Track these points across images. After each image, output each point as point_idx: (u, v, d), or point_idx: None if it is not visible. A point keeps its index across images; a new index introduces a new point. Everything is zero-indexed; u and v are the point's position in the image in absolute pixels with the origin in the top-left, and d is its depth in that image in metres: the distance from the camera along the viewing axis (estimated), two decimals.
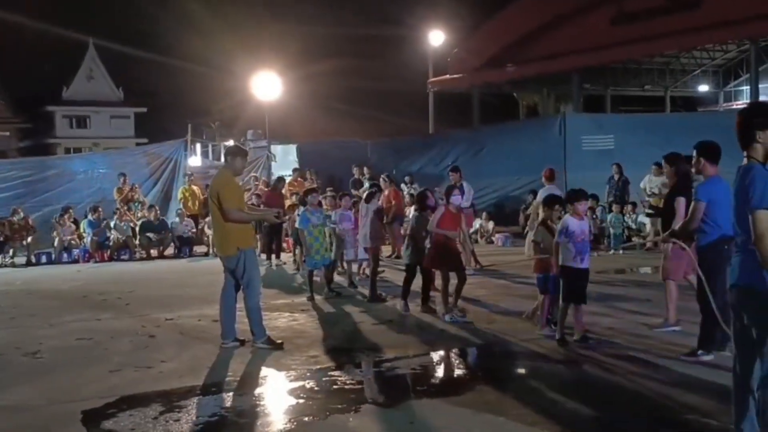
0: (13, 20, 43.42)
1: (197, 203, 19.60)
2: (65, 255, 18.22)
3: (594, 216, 16.93)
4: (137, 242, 18.56)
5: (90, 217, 18.49)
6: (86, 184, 20.97)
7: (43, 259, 18.14)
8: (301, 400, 6.32)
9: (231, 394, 6.62)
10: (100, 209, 18.67)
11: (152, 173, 21.63)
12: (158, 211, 19.27)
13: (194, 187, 20.06)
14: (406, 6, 46.68)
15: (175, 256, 18.61)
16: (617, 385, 6.62)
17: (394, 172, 20.39)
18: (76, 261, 18.11)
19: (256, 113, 33.11)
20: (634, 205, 17.82)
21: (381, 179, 17.10)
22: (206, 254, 18.17)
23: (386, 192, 16.68)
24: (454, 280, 9.48)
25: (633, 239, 16.69)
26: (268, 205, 16.97)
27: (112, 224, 18.52)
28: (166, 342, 8.70)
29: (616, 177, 18.28)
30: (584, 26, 34.56)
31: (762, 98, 35.28)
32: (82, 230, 18.61)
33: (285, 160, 25.68)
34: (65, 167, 21.96)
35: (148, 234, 18.48)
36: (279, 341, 8.25)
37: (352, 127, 38.30)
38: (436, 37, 37.48)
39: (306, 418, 5.81)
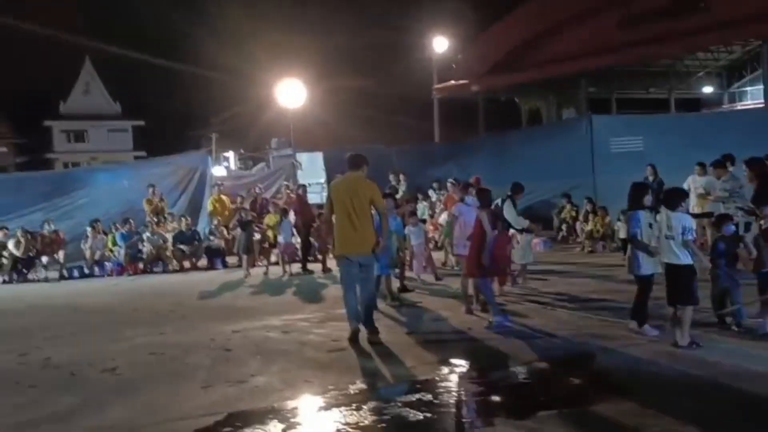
0: (7, 36, 42.97)
1: (227, 213, 19.30)
2: (97, 268, 17.91)
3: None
4: (169, 254, 18.24)
5: (121, 229, 18.15)
6: (111, 197, 20.54)
7: (75, 273, 17.80)
8: (433, 414, 5.98)
9: (351, 408, 6.24)
10: (131, 221, 18.35)
11: (177, 184, 21.27)
12: (190, 222, 18.92)
13: (223, 197, 19.74)
14: (413, 12, 46.36)
15: (209, 268, 18.19)
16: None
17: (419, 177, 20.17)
18: (109, 274, 17.79)
19: (262, 122, 32.88)
20: None
21: (449, 183, 15.86)
22: (239, 265, 17.88)
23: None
24: None
25: None
26: (302, 214, 16.81)
27: (144, 236, 18.20)
28: (245, 355, 8.36)
29: (651, 178, 18.03)
30: (590, 30, 34.46)
31: None
32: (111, 243, 18.26)
33: (311, 168, 25.28)
34: (88, 180, 21.54)
35: (181, 246, 18.15)
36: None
37: (371, 134, 37.96)
38: (440, 44, 37.53)
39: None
